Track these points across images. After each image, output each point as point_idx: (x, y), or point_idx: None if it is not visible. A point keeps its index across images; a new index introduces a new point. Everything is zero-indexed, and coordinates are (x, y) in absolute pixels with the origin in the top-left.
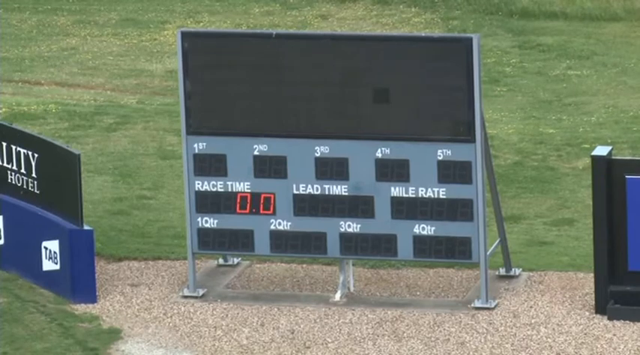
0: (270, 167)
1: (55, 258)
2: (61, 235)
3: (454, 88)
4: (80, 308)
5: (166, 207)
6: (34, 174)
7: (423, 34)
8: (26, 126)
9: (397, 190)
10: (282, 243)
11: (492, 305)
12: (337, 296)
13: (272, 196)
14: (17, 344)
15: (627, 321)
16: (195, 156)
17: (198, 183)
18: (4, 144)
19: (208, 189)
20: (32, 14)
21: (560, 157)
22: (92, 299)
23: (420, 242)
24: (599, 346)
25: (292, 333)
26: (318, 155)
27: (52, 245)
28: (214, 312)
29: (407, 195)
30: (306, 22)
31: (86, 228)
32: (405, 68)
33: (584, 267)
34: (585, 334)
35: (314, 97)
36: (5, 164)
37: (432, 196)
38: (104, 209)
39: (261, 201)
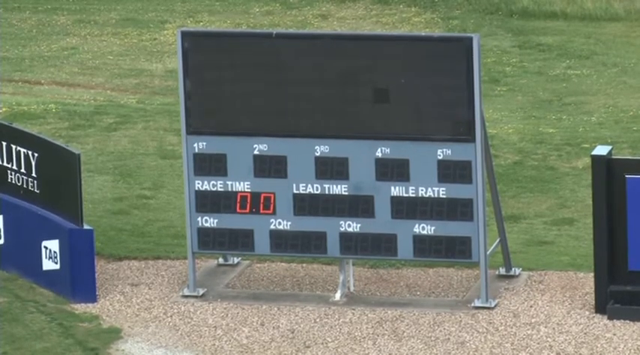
0: (270, 166)
1: (55, 257)
2: (61, 235)
3: (454, 87)
4: (80, 308)
5: (166, 206)
6: (34, 174)
7: (423, 34)
8: (26, 126)
9: (397, 190)
10: (282, 243)
11: (492, 305)
12: (337, 296)
13: (272, 196)
14: (17, 343)
15: (627, 321)
16: (195, 155)
17: (198, 183)
18: (4, 143)
19: (208, 189)
20: (32, 14)
21: (560, 157)
22: (92, 298)
23: (419, 241)
24: (599, 345)
25: (292, 333)
26: (318, 154)
27: (52, 244)
28: (214, 312)
29: (407, 195)
30: (306, 21)
31: (86, 227)
32: (405, 68)
33: (584, 267)
34: (585, 333)
35: (314, 97)
36: (5, 164)
37: (432, 196)
38: (104, 209)
39: (261, 201)
